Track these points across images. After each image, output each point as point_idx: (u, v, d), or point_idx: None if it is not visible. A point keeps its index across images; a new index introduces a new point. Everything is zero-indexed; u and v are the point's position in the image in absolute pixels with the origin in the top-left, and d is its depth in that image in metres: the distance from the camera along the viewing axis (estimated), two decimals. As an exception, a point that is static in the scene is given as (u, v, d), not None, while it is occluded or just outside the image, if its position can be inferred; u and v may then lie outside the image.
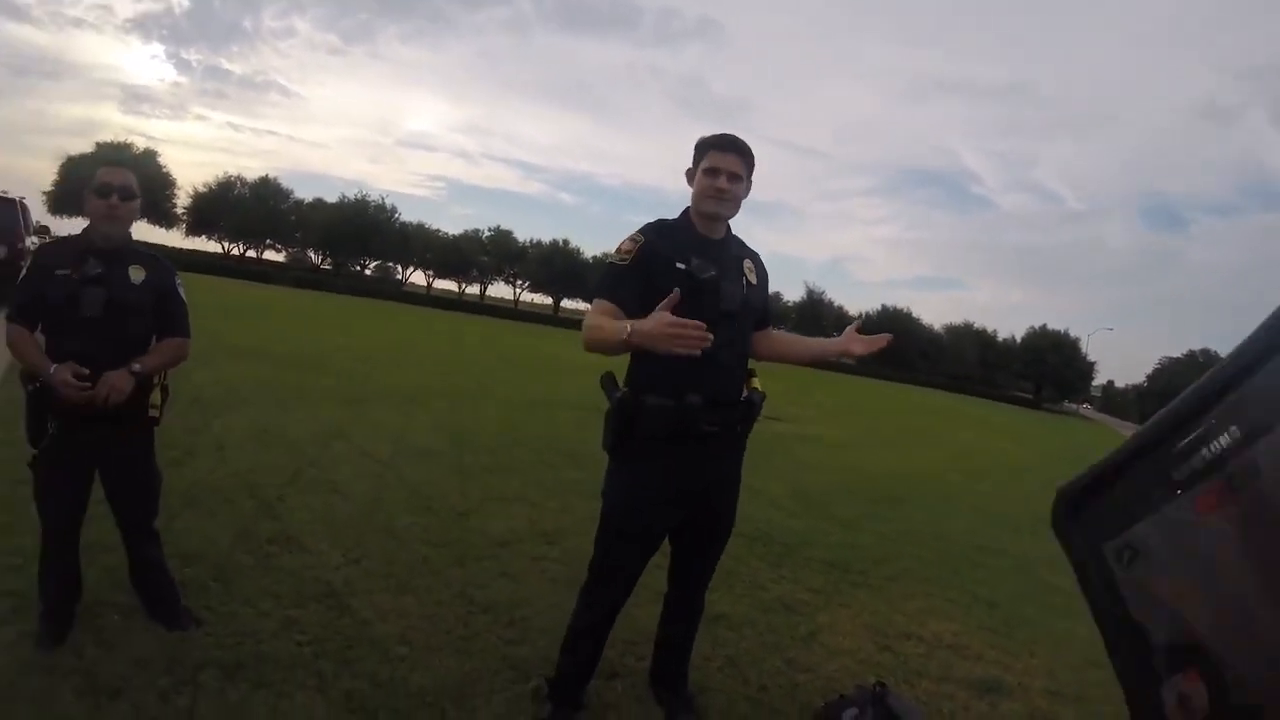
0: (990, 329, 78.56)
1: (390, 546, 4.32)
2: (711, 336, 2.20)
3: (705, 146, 2.67)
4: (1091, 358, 75.29)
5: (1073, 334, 75.06)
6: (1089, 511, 1.28)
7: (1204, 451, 1.11)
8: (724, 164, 2.62)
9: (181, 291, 3.13)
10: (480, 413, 9.65)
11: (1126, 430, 59.77)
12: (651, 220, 2.73)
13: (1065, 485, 1.35)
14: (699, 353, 2.22)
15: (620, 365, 2.69)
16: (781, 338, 3.13)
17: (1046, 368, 72.24)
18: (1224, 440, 1.09)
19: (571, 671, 2.85)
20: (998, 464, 14.26)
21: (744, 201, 2.73)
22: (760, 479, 7.24)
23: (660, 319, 2.22)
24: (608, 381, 2.66)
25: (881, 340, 2.83)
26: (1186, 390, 1.20)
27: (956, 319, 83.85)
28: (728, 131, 2.72)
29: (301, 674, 2.90)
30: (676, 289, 2.30)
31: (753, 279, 2.75)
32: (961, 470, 12.02)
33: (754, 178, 2.74)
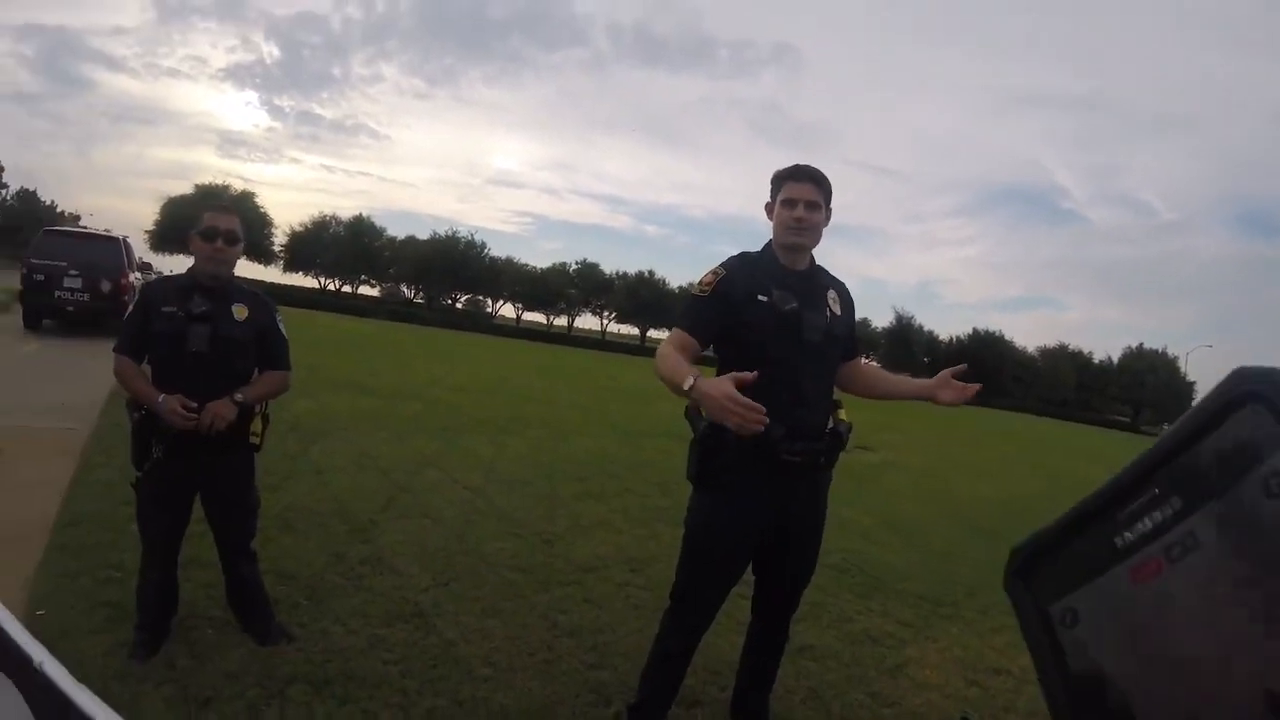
0: (1086, 350, 75.91)
1: (478, 570, 4.40)
2: (768, 421, 2.13)
3: (781, 179, 2.68)
4: (1191, 377, 71.81)
5: (1170, 352, 72.40)
6: (1037, 574, 1.34)
7: (1145, 520, 1.15)
8: (800, 194, 2.62)
9: (282, 327, 3.28)
10: (569, 442, 9.74)
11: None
12: (736, 251, 2.76)
13: (1016, 547, 1.39)
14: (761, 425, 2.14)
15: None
16: (871, 372, 3.10)
17: (1145, 390, 69.40)
18: (1165, 511, 1.12)
19: (652, 698, 2.85)
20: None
21: (828, 228, 2.73)
22: (850, 510, 7.13)
23: (725, 390, 2.16)
24: (693, 411, 2.63)
25: (970, 390, 2.73)
26: (1133, 459, 1.22)
27: (1050, 340, 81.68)
28: (806, 161, 2.71)
29: (387, 691, 2.97)
30: (756, 372, 2.22)
31: (837, 309, 2.72)
32: (1057, 500, 11.48)
33: (836, 202, 2.72)
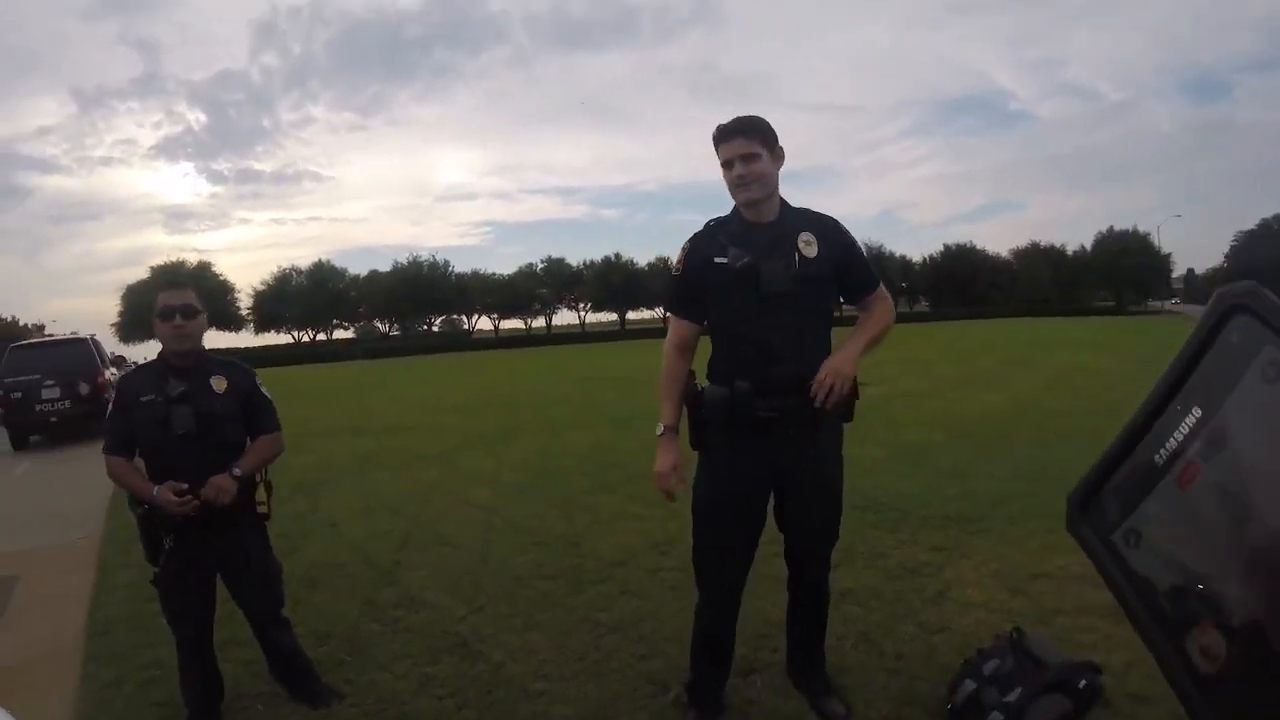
0: (1059, 244, 76.40)
1: (509, 587, 4.39)
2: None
3: (715, 143, 2.66)
4: (1166, 250, 72.50)
5: (1142, 229, 72.77)
6: (1094, 510, 1.45)
7: (1176, 435, 1.28)
8: (732, 151, 2.61)
9: (264, 390, 3.25)
10: (567, 441, 9.74)
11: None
12: (697, 216, 2.81)
13: (1072, 491, 1.50)
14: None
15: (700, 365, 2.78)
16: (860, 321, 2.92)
17: (1123, 271, 69.86)
18: (1190, 420, 1.26)
19: (706, 673, 2.88)
20: (1092, 381, 13.80)
21: (787, 172, 2.71)
22: (859, 446, 7.12)
23: (664, 464, 2.73)
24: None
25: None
26: (1152, 388, 1.35)
27: (1022, 242, 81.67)
28: (747, 112, 2.69)
29: (447, 726, 2.95)
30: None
31: (811, 252, 2.64)
32: (1058, 395, 11.68)
33: (787, 146, 2.69)
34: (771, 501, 2.79)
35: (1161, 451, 1.29)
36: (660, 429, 2.72)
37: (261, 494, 3.12)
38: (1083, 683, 2.70)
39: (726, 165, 2.63)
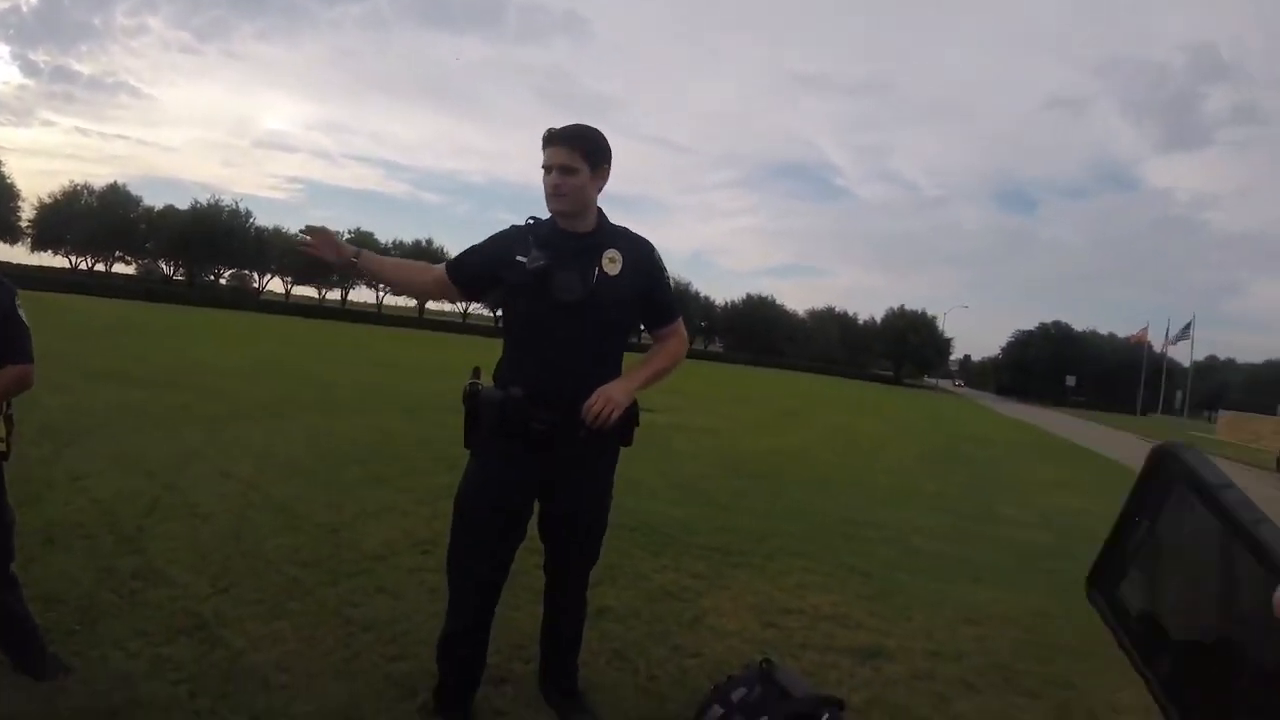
0: (852, 312, 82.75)
1: (259, 570, 4.12)
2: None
3: (542, 143, 2.60)
4: (949, 334, 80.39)
5: (930, 313, 79.81)
6: (1102, 578, 1.44)
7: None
8: (552, 159, 2.56)
9: (22, 313, 2.82)
10: (348, 423, 9.35)
11: (983, 400, 63.49)
12: (516, 218, 2.75)
13: (1090, 571, 1.46)
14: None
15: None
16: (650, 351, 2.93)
17: (907, 346, 76.34)
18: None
19: (452, 680, 2.80)
20: (863, 440, 14.80)
21: (611, 196, 2.69)
22: (638, 470, 7.26)
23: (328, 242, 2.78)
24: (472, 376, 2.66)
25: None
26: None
27: (819, 304, 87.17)
28: (581, 123, 2.65)
29: (179, 714, 2.74)
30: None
31: (614, 270, 2.61)
32: (830, 448, 12.42)
33: (620, 172, 2.67)
34: (537, 512, 2.77)
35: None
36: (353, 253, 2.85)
37: (1, 430, 2.75)
38: (826, 715, 2.81)
39: (546, 170, 2.58)
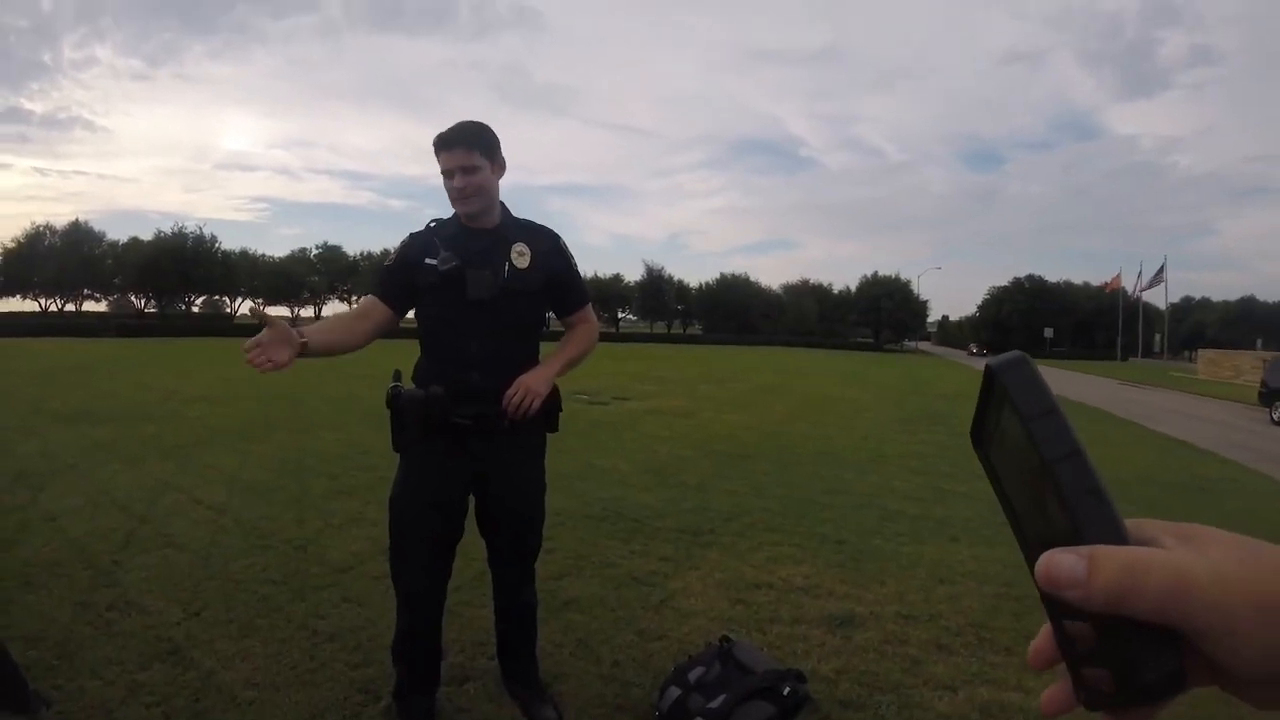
0: (826, 283, 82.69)
1: (229, 592, 4.13)
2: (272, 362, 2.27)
3: (435, 150, 2.60)
4: (924, 297, 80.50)
5: (904, 277, 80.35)
6: (978, 439, 1.48)
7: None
8: (451, 162, 2.56)
9: None
10: (318, 439, 9.27)
11: (955, 356, 63.93)
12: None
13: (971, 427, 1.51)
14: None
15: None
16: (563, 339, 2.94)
17: (883, 312, 76.47)
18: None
19: (411, 679, 2.82)
20: (838, 408, 14.82)
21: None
22: (609, 458, 7.28)
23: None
24: (393, 379, 2.70)
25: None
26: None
27: (793, 278, 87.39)
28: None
29: (154, 736, 2.76)
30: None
31: (522, 263, 2.65)
32: (805, 420, 12.44)
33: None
34: (474, 509, 2.80)
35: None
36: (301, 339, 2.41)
37: None
38: (787, 689, 2.82)
39: (447, 174, 2.58)
